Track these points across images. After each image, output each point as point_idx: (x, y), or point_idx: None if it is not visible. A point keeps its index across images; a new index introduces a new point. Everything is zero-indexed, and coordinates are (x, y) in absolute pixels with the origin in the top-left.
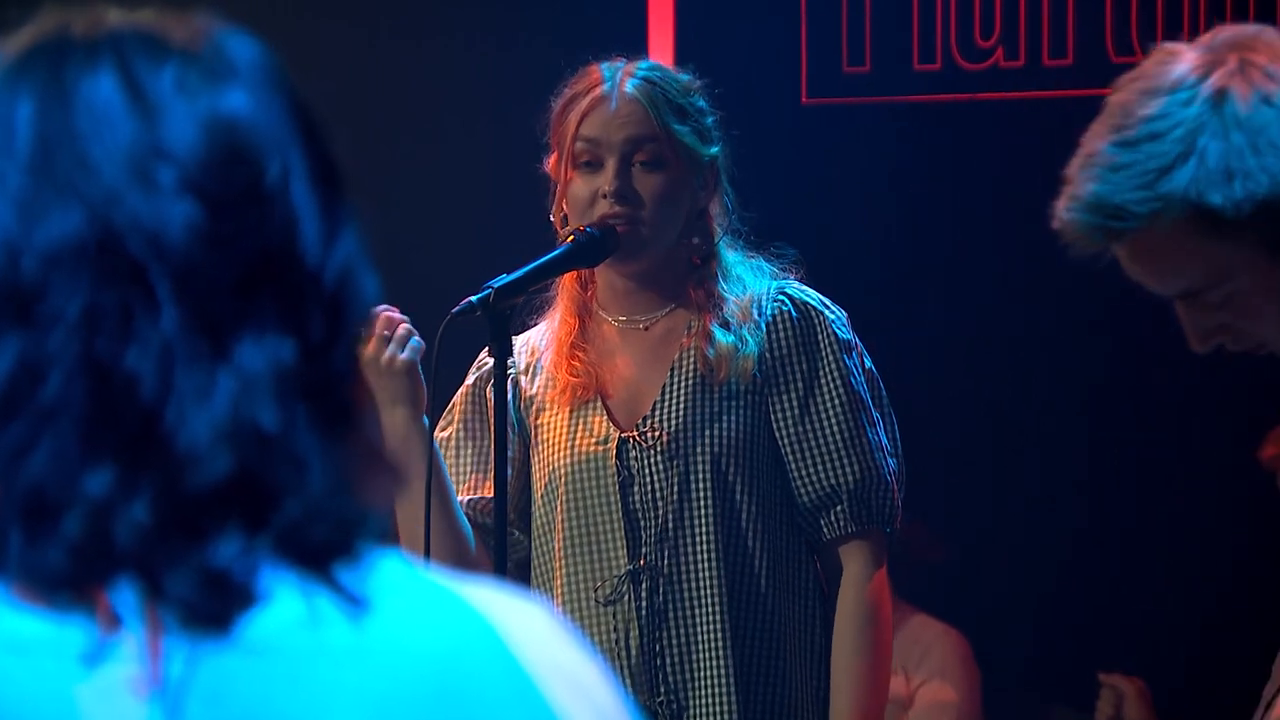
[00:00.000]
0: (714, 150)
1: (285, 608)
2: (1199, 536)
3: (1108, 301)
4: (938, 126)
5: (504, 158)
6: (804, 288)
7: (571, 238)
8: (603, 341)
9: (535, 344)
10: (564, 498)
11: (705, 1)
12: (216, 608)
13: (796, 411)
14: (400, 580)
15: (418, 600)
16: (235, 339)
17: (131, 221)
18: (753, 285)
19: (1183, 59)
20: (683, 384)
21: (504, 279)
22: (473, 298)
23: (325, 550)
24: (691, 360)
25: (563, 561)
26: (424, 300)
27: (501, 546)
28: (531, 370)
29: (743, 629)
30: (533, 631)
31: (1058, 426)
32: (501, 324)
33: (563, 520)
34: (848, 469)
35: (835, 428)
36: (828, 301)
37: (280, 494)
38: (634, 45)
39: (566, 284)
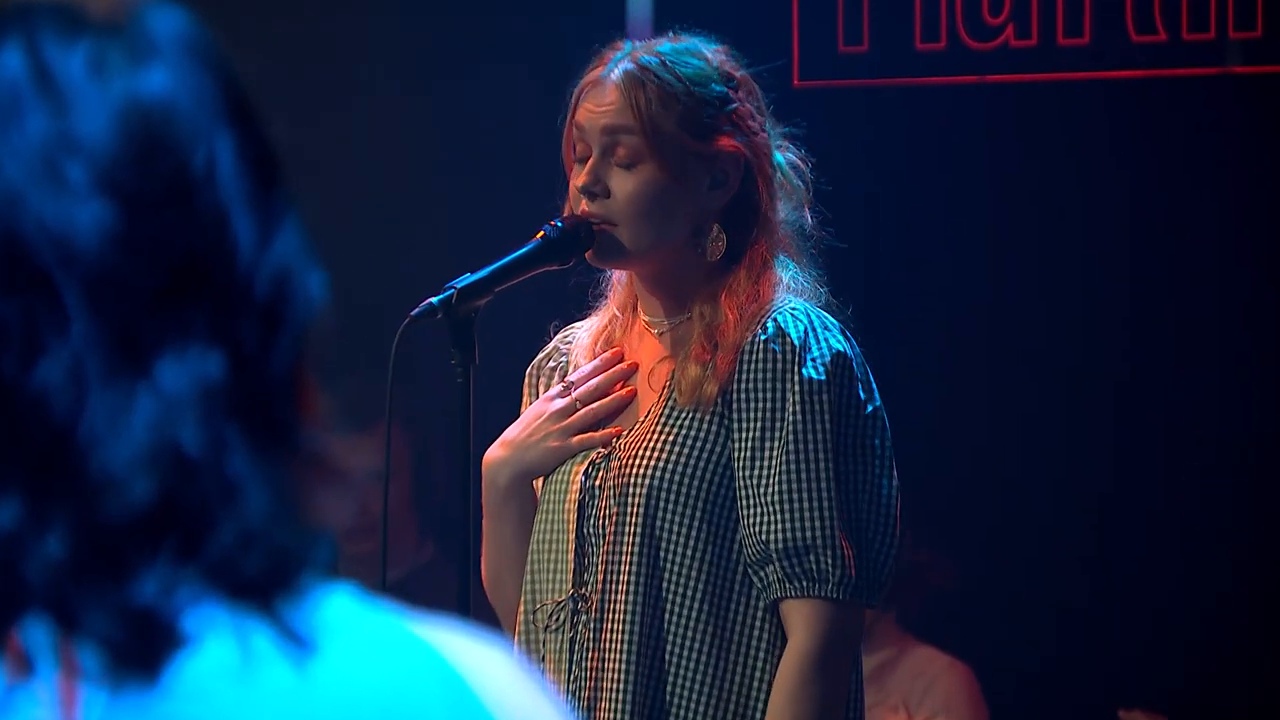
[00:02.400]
0: (728, 143)
1: (217, 649)
2: (1224, 563)
3: (1126, 304)
4: (942, 111)
5: (478, 139)
6: (807, 312)
7: (542, 233)
8: (632, 341)
9: (580, 336)
10: (540, 508)
11: None
12: (139, 649)
13: (748, 455)
14: (351, 617)
15: (370, 640)
16: (155, 352)
17: (36, 224)
18: (769, 302)
19: None
20: (660, 406)
21: (467, 278)
22: (433, 299)
23: (263, 583)
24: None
25: (527, 576)
26: (388, 300)
27: (465, 543)
28: (570, 364)
29: (651, 684)
30: (495, 675)
31: (1071, 438)
32: (464, 327)
33: (534, 531)
34: (779, 527)
35: (776, 479)
36: (821, 333)
37: (210, 522)
38: (612, 19)
39: (617, 274)
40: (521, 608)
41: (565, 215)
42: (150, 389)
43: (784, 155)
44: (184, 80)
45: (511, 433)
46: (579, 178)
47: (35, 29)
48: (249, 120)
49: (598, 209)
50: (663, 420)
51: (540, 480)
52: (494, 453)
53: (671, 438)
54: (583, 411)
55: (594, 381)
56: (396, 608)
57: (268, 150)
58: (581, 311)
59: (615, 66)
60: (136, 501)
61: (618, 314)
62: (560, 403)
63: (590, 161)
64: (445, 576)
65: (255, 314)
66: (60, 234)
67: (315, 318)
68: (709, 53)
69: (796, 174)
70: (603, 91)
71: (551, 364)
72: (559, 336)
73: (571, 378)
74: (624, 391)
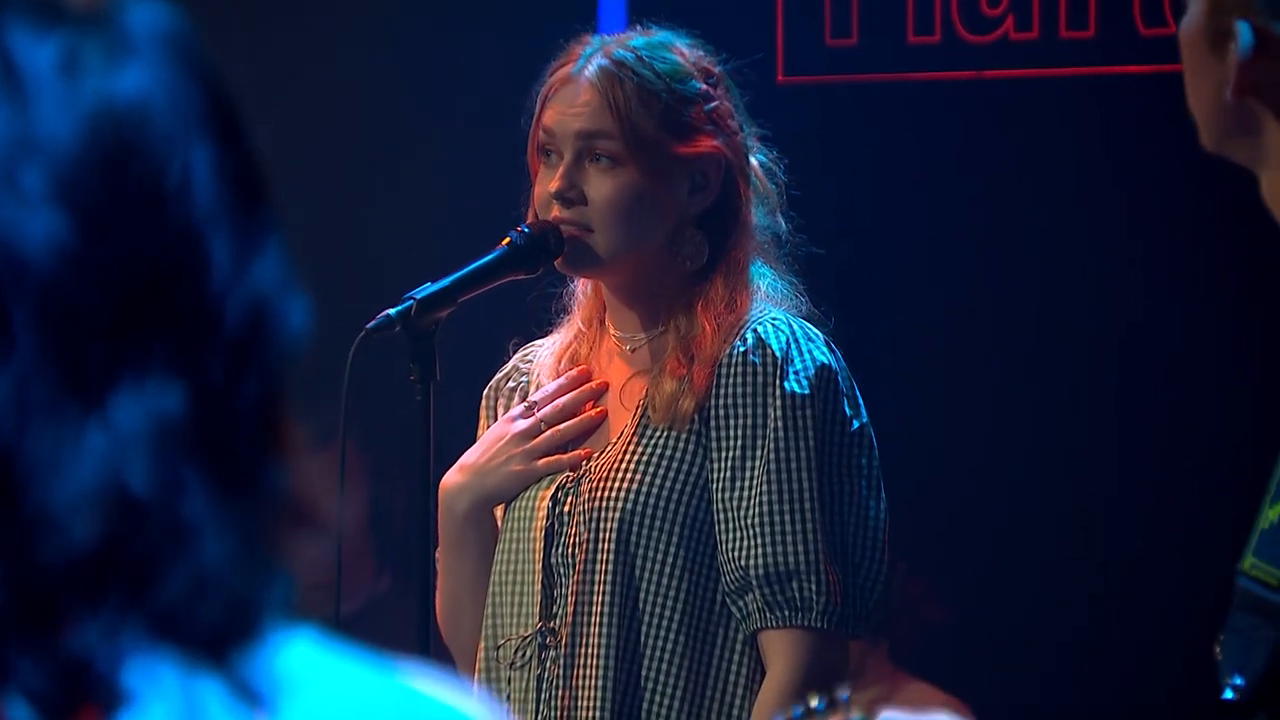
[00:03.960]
0: (710, 144)
1: (161, 707)
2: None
3: (1134, 313)
4: (937, 110)
5: (440, 138)
6: (789, 322)
7: (508, 239)
8: (600, 359)
9: (542, 355)
10: (502, 537)
11: None
12: (73, 704)
13: (728, 476)
14: (314, 667)
15: (335, 692)
16: (109, 382)
17: None
18: (747, 312)
19: None
20: (633, 426)
21: (428, 288)
22: (391, 310)
23: (217, 634)
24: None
25: (488, 611)
26: (343, 312)
27: (425, 574)
28: (531, 384)
29: None
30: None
31: (1076, 459)
32: (424, 341)
33: (496, 563)
34: (760, 552)
35: (756, 500)
36: (804, 344)
37: (158, 568)
38: (581, 12)
39: (582, 286)
40: (481, 645)
41: (532, 221)
42: (100, 422)
43: (755, 156)
44: (162, 83)
45: (470, 457)
46: (551, 182)
47: (6, 19)
48: (232, 130)
49: (573, 215)
50: (636, 440)
51: (501, 508)
52: (451, 478)
53: (646, 458)
54: (549, 433)
55: (560, 401)
56: (365, 653)
57: (251, 164)
58: (542, 328)
59: (587, 63)
60: (76, 543)
61: (583, 329)
62: (523, 424)
63: (564, 165)
64: (403, 609)
65: (224, 346)
66: (10, 244)
67: (294, 350)
68: (684, 47)
69: (769, 176)
70: (575, 91)
71: (511, 384)
72: (518, 355)
73: (535, 397)
74: (593, 411)
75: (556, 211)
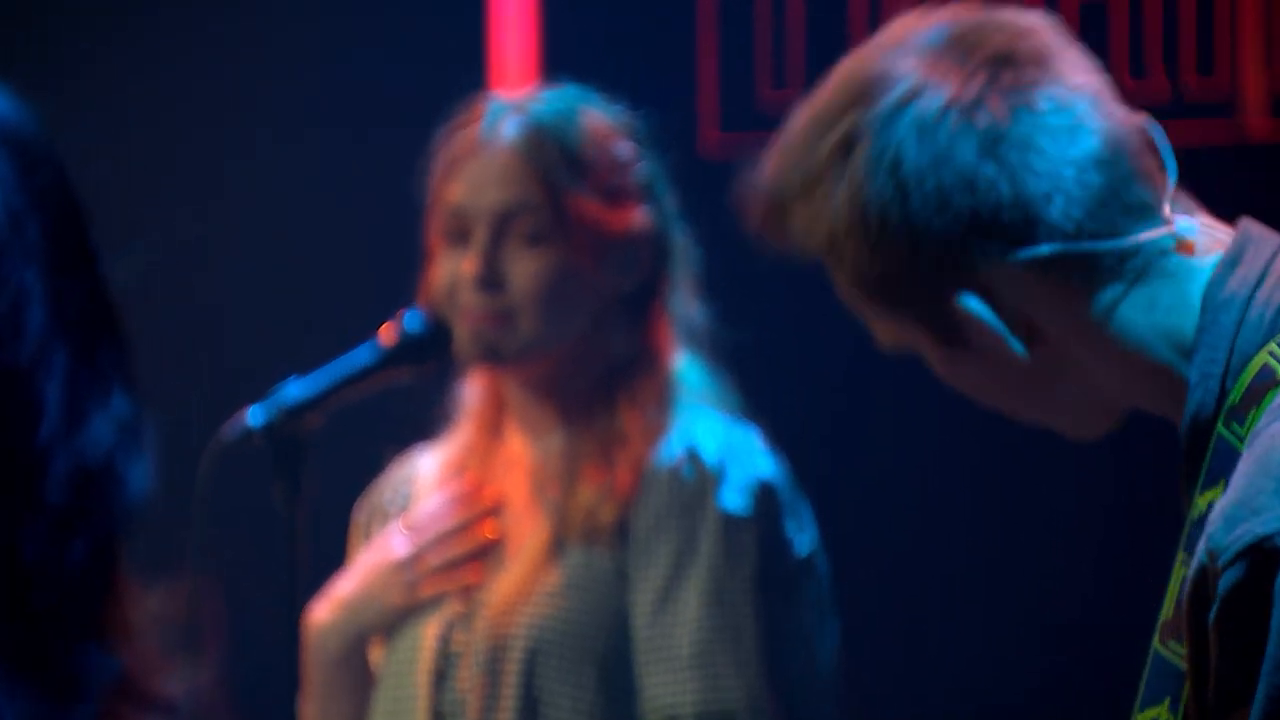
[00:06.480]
0: (641, 215)
1: None
2: None
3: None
4: None
5: (316, 213)
6: (724, 425)
7: (394, 330)
8: (495, 470)
9: (424, 467)
10: (381, 681)
11: (569, 6)
12: None
13: (652, 604)
14: None
15: None
16: None
17: None
18: (675, 415)
19: None
20: (540, 545)
21: (296, 389)
22: (251, 416)
23: None
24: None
25: None
26: (191, 418)
27: None
28: (411, 502)
29: None
30: None
31: (1067, 579)
32: (291, 452)
33: (374, 711)
34: (693, 694)
35: (686, 633)
36: (743, 452)
37: None
38: (471, 59)
39: (470, 387)
40: None
41: (424, 307)
42: None
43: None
44: None
45: (342, 589)
46: (465, 264)
47: None
48: (77, 251)
49: (493, 303)
50: (543, 564)
51: (379, 645)
52: (320, 615)
53: (555, 586)
54: (433, 558)
55: (446, 522)
56: None
57: (98, 294)
58: (424, 436)
59: (498, 125)
60: None
61: (474, 438)
62: (403, 549)
63: (481, 245)
64: None
65: (43, 514)
66: None
67: (133, 516)
68: (597, 104)
69: (685, 255)
70: (488, 159)
71: (388, 502)
72: (397, 469)
73: (416, 516)
74: (487, 531)
75: (470, 298)
